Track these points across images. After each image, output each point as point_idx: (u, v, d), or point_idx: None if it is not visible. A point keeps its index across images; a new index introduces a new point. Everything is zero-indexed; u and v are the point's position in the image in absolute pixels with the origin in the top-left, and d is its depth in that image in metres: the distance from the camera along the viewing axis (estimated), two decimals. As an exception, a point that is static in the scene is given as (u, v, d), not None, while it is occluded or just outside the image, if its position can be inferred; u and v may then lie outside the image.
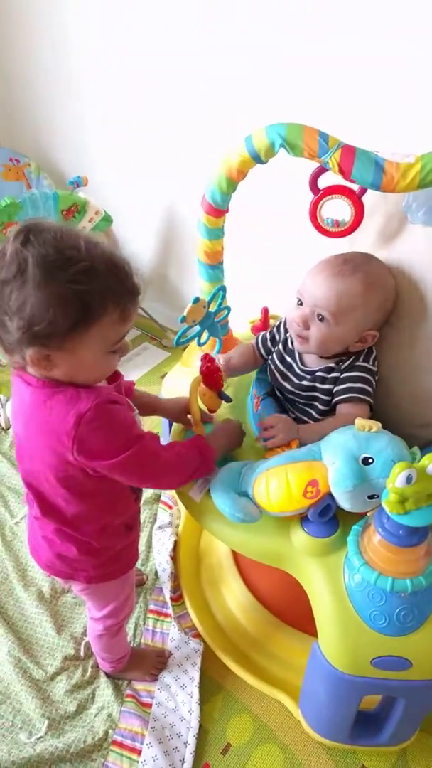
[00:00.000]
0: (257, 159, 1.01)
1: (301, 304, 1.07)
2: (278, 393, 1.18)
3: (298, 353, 1.15)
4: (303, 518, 0.97)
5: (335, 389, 1.08)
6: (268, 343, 1.23)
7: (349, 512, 0.93)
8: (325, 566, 0.95)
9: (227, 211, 1.12)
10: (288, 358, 1.16)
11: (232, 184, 1.06)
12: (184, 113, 1.75)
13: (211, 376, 1.01)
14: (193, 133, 1.76)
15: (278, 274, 1.56)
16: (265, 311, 1.38)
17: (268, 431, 1.05)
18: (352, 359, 1.08)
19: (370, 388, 1.07)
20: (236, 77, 1.54)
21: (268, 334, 1.23)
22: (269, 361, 1.21)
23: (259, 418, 1.13)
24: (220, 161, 1.05)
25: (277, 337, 1.22)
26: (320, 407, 1.11)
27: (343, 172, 0.97)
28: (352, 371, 1.07)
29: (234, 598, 1.43)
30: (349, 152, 0.96)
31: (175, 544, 1.55)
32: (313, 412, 1.13)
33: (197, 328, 1.13)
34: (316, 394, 1.11)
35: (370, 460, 0.89)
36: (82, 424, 0.82)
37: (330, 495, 0.92)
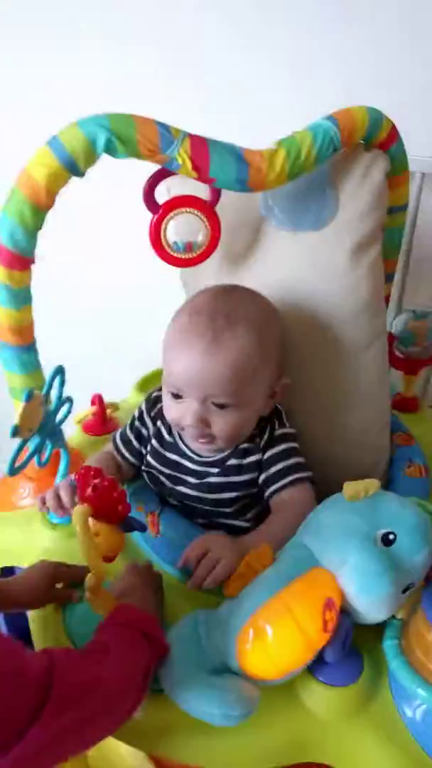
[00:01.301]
0: (72, 168, 0.68)
1: (178, 397, 0.76)
2: (171, 501, 0.82)
3: (184, 443, 0.82)
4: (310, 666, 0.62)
5: (263, 477, 0.78)
6: (136, 445, 0.87)
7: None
8: (370, 722, 0.61)
9: (34, 261, 0.75)
10: (171, 455, 0.82)
11: (39, 213, 0.70)
12: None
13: (106, 499, 0.60)
14: None
15: (104, 338, 1.20)
16: (99, 400, 1.01)
17: (203, 562, 0.69)
18: (267, 432, 0.80)
19: (302, 458, 0.80)
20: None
21: (130, 433, 0.88)
22: (144, 465, 0.85)
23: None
24: (17, 182, 0.69)
25: (143, 431, 0.87)
26: (236, 508, 0.79)
27: (198, 169, 0.71)
28: (275, 446, 0.79)
29: None
30: (199, 143, 0.71)
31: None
32: (231, 519, 0.80)
33: (35, 439, 0.72)
34: (232, 494, 0.78)
35: (392, 536, 0.60)
36: None
37: (344, 612, 0.61)
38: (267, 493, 0.76)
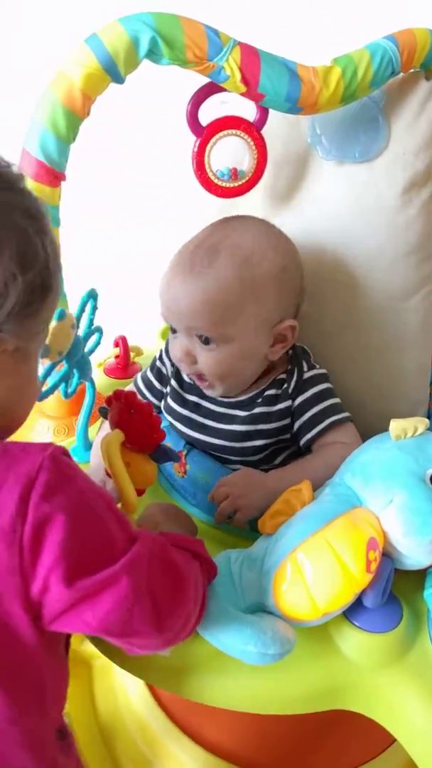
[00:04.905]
0: (112, 70, 0.63)
1: (174, 331, 0.73)
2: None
3: None
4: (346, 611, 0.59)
5: (297, 425, 0.73)
6: (157, 385, 0.83)
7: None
8: (408, 670, 0.57)
9: (65, 177, 0.70)
10: (190, 396, 0.78)
11: (74, 120, 0.65)
12: None
13: (140, 426, 0.56)
14: None
15: (133, 276, 1.14)
16: (123, 342, 0.97)
17: (226, 501, 0.66)
18: (295, 375, 0.74)
19: (337, 398, 0.75)
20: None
21: (150, 374, 0.84)
22: (164, 409, 0.80)
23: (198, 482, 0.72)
24: (50, 84, 0.64)
25: (164, 370, 0.83)
26: (265, 455, 0.74)
27: (248, 81, 0.66)
28: (305, 391, 0.73)
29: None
30: (250, 52, 0.65)
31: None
32: (261, 466, 0.74)
33: (64, 365, 0.68)
34: (261, 442, 0.73)
35: (442, 476, 0.57)
36: (35, 497, 0.41)
37: (385, 556, 0.57)
38: (303, 441, 0.72)
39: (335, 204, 0.80)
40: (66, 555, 0.41)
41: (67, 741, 0.56)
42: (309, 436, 0.71)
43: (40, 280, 0.46)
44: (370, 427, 0.72)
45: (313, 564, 0.53)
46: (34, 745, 0.48)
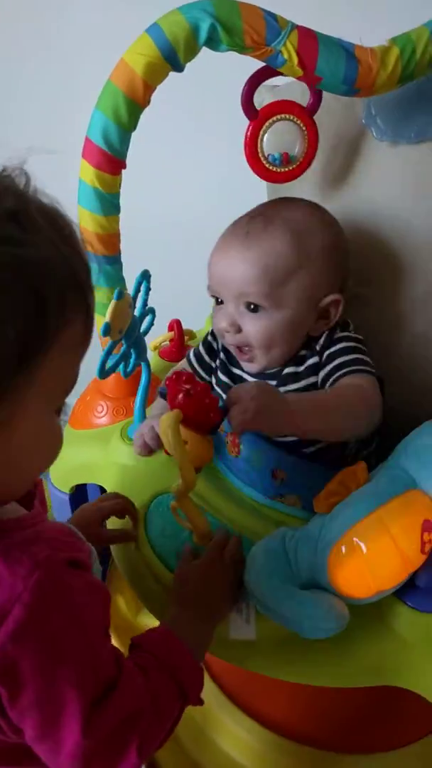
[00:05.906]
0: (172, 58, 0.64)
1: (221, 302, 0.75)
2: None
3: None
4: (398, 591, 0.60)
5: (322, 374, 0.72)
6: (206, 359, 0.85)
7: None
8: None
9: (125, 165, 0.72)
10: (235, 370, 0.80)
11: (135, 109, 0.67)
12: None
13: (198, 406, 0.58)
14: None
15: (186, 263, 1.16)
16: (177, 325, 1.00)
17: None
18: (325, 335, 0.74)
19: (367, 357, 0.73)
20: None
21: (202, 348, 0.86)
22: (214, 383, 0.83)
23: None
24: (112, 75, 0.66)
25: (214, 345, 0.85)
26: None
27: (305, 65, 0.66)
28: (336, 344, 0.73)
29: (234, 742, 0.95)
30: (308, 35, 0.65)
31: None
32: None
33: (122, 346, 0.71)
34: None
35: None
36: (3, 634, 0.38)
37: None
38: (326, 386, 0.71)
39: (388, 185, 0.79)
40: (26, 704, 0.40)
41: None
42: (330, 380, 0.70)
43: (10, 351, 0.35)
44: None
45: (367, 543, 0.54)
46: None
